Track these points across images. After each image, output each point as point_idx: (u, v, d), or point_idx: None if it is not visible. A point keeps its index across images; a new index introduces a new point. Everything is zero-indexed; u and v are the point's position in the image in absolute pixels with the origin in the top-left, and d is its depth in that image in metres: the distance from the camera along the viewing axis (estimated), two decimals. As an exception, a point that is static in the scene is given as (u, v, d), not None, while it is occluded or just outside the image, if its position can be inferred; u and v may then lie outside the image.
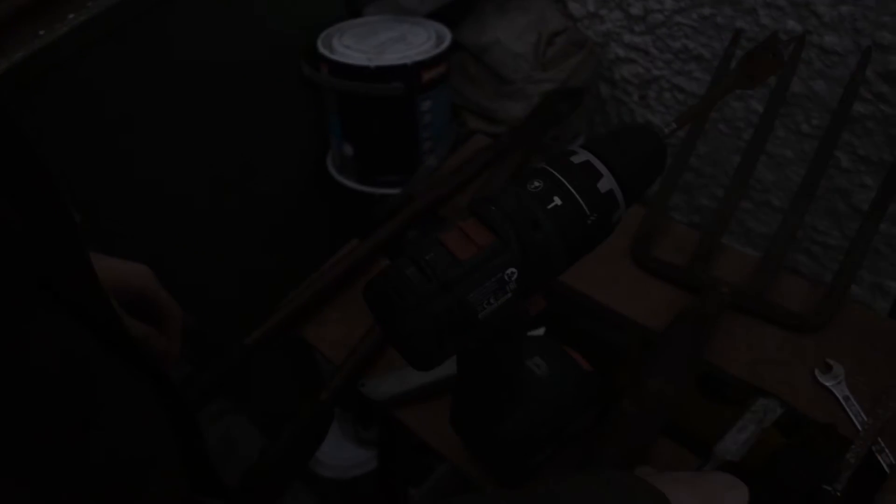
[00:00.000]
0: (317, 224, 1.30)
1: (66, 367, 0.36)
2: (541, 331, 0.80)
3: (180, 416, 0.52)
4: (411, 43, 1.06)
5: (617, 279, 0.86)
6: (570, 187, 0.48)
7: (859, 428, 0.70)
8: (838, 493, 0.64)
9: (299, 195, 1.25)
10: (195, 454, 0.54)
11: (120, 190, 0.99)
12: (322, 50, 1.05)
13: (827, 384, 0.74)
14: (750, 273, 0.84)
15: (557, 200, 0.48)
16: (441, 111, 1.12)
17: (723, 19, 1.05)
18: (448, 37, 1.09)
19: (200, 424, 0.57)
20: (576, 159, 0.49)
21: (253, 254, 1.21)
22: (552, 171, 0.49)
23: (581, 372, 0.70)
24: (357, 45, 1.05)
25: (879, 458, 0.68)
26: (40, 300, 0.36)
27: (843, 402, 0.72)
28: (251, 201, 1.17)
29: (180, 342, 0.70)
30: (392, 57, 1.02)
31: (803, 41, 0.86)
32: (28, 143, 0.39)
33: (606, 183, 0.49)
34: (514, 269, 0.47)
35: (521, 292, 0.48)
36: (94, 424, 0.37)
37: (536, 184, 0.48)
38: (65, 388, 0.36)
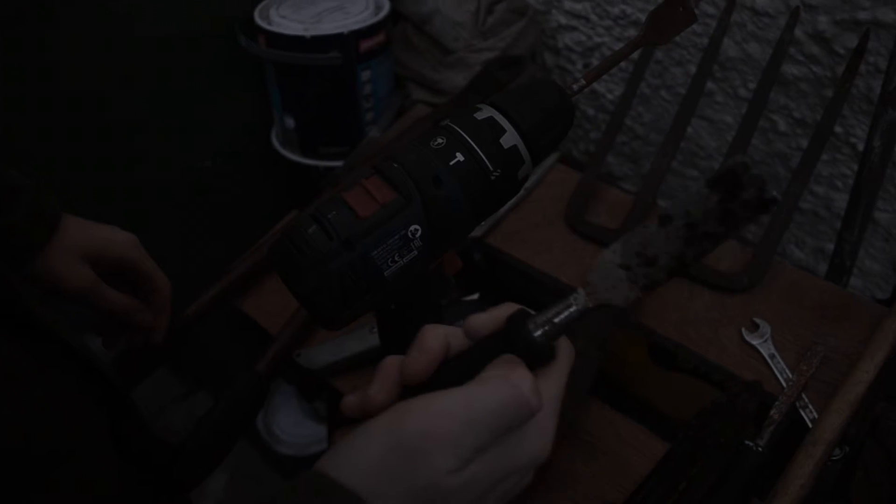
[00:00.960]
0: (262, 196, 1.29)
1: None
2: (475, 296, 0.80)
3: (109, 398, 0.51)
4: (349, 12, 1.05)
5: (551, 244, 0.86)
6: (472, 143, 0.48)
7: (783, 384, 0.71)
8: (761, 449, 0.65)
9: (244, 169, 1.23)
10: (131, 434, 0.54)
11: (62, 163, 0.97)
12: (259, 21, 1.03)
13: (753, 342, 0.75)
14: (683, 235, 0.85)
15: (460, 157, 0.48)
16: (382, 81, 1.11)
17: (659, -16, 1.05)
18: (387, 6, 1.08)
19: (133, 401, 0.56)
20: (479, 115, 0.49)
21: (197, 228, 1.20)
22: (455, 127, 0.49)
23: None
24: (294, 16, 1.04)
25: (803, 413, 0.69)
26: None
27: (769, 360, 0.73)
28: (195, 175, 1.16)
29: (168, 315, 0.68)
30: (329, 26, 1.01)
31: (734, 2, 0.86)
32: None
33: (510, 138, 0.49)
34: (417, 227, 0.47)
35: (427, 250, 0.48)
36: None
37: (439, 140, 0.48)
38: None
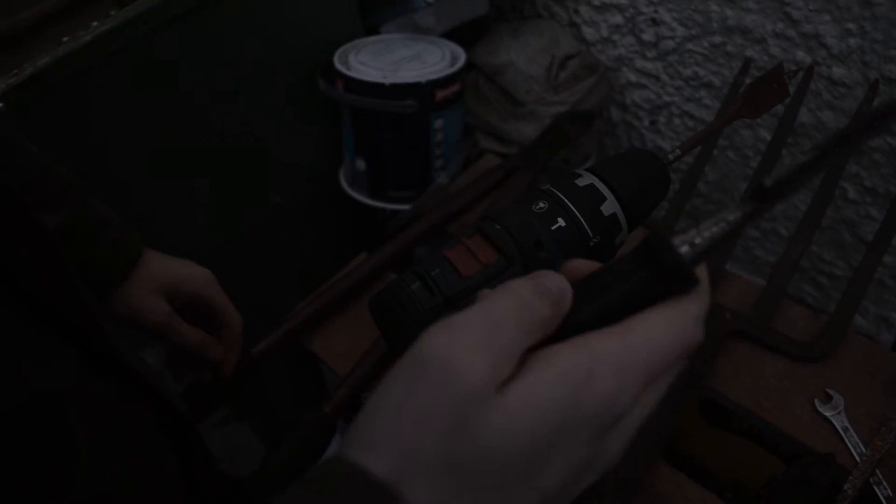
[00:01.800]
0: (327, 236, 1.31)
1: (39, 408, 0.36)
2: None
3: (180, 433, 0.52)
4: (426, 62, 1.08)
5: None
6: (573, 209, 0.49)
7: (857, 459, 0.70)
8: (834, 523, 0.64)
9: (312, 208, 1.26)
10: (199, 469, 0.54)
11: (139, 196, 1.00)
12: (338, 66, 1.06)
13: (826, 414, 0.74)
14: (753, 300, 0.85)
15: (561, 222, 0.49)
16: (453, 129, 1.13)
17: (733, 48, 1.06)
18: (462, 57, 1.11)
19: (202, 436, 0.57)
20: (580, 182, 0.50)
21: (265, 264, 1.22)
22: (557, 192, 0.50)
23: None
24: (373, 62, 1.07)
25: (877, 489, 0.68)
26: (9, 338, 0.36)
27: (843, 433, 0.73)
28: (265, 212, 1.19)
29: (239, 351, 0.70)
30: (407, 75, 1.04)
31: (812, 72, 0.87)
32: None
33: (610, 206, 0.50)
34: (516, 288, 0.48)
35: (523, 311, 0.49)
36: (76, 471, 0.37)
37: (541, 205, 0.50)
38: (36, 438, 0.35)
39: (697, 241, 0.31)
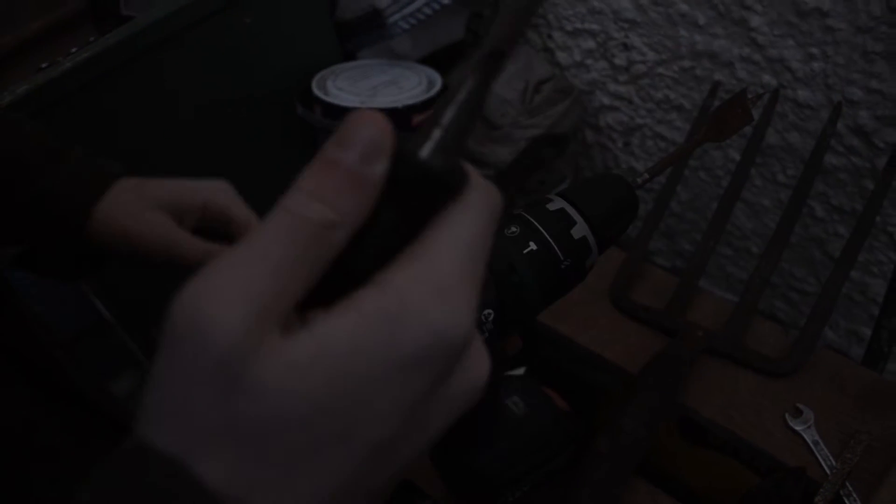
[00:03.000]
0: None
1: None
2: (521, 370, 0.82)
3: None
4: (403, 87, 1.10)
5: (596, 321, 0.88)
6: (545, 233, 0.51)
7: (828, 472, 0.72)
8: (805, 535, 0.66)
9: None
10: None
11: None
12: (316, 92, 1.08)
13: (797, 428, 0.76)
14: (725, 318, 0.86)
15: (533, 245, 0.50)
16: (430, 153, 1.15)
17: (702, 71, 1.09)
18: (439, 82, 1.13)
19: None
20: (551, 206, 0.52)
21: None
22: (528, 217, 0.51)
23: (558, 412, 0.72)
24: (350, 88, 1.09)
25: (847, 501, 0.70)
26: None
27: (813, 447, 0.74)
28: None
29: None
30: (384, 100, 1.06)
31: (777, 95, 0.89)
32: None
33: (580, 230, 0.51)
34: (490, 311, 0.49)
35: (497, 333, 0.51)
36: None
37: (513, 229, 0.51)
38: None
39: (437, 133, 0.24)
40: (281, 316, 0.21)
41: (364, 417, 0.22)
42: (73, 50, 0.98)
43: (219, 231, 0.57)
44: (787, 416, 0.77)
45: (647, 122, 1.22)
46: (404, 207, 0.24)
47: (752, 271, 0.87)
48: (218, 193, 0.56)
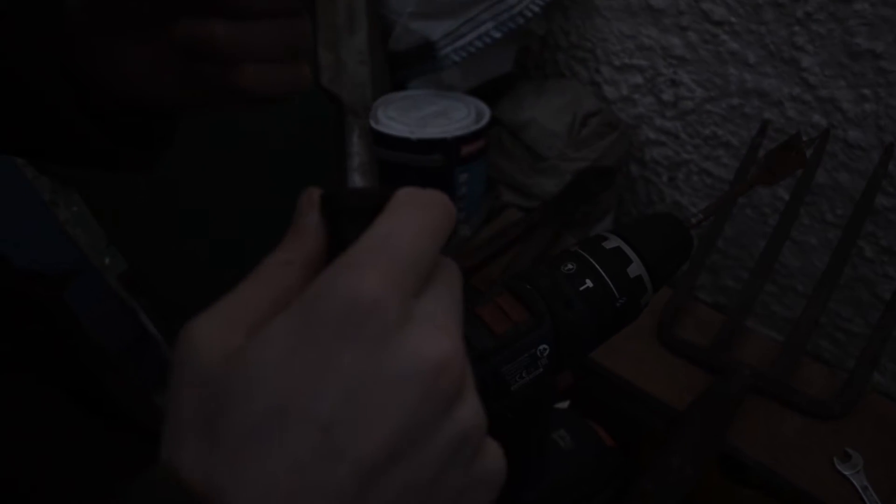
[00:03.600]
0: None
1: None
2: (566, 403, 0.82)
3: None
4: (452, 118, 1.12)
5: (642, 357, 0.88)
6: (601, 271, 0.51)
7: (877, 518, 0.71)
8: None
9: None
10: None
11: (165, 251, 1.04)
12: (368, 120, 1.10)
13: (846, 473, 0.75)
14: (772, 357, 0.86)
15: (589, 283, 0.51)
16: (477, 183, 1.16)
17: (751, 109, 1.09)
18: (487, 113, 1.14)
19: None
20: (607, 245, 0.53)
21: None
22: (585, 254, 0.52)
23: (604, 447, 0.72)
24: (400, 118, 1.11)
25: (896, 549, 0.69)
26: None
27: (862, 492, 0.73)
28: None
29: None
30: (433, 131, 1.07)
31: (828, 136, 0.89)
32: None
33: (636, 268, 0.52)
34: (546, 346, 0.50)
35: (552, 368, 0.51)
36: None
37: (570, 266, 0.52)
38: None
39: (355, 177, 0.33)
40: (245, 324, 0.26)
41: (302, 391, 0.24)
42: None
43: None
44: (835, 459, 0.76)
45: (693, 157, 1.22)
46: (340, 232, 0.29)
47: (798, 311, 0.87)
48: None
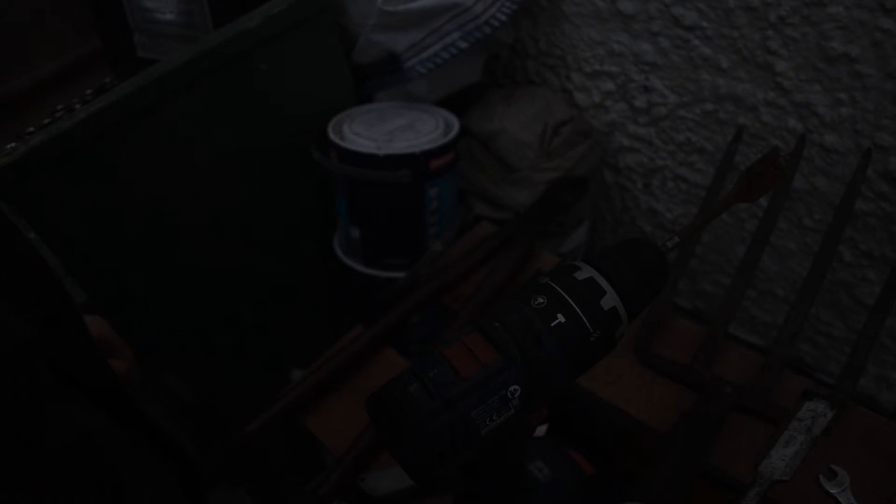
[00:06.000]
0: (322, 305, 1.30)
1: (83, 445, 0.38)
2: (543, 428, 0.79)
3: (193, 489, 0.53)
4: (420, 131, 1.08)
5: (620, 375, 0.85)
6: (573, 304, 0.48)
7: (866, 539, 0.69)
8: None
9: (306, 275, 1.25)
10: None
11: (133, 262, 1.00)
12: (332, 137, 1.07)
13: (832, 491, 0.73)
14: (754, 369, 0.84)
15: (561, 318, 0.48)
16: (448, 197, 1.13)
17: (725, 115, 1.07)
18: (456, 125, 1.11)
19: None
20: (579, 275, 0.50)
21: (259, 334, 1.21)
22: (556, 287, 0.49)
23: (583, 476, 0.69)
24: (366, 132, 1.07)
25: (887, 571, 0.67)
26: (52, 389, 0.39)
27: (850, 511, 0.71)
28: (258, 281, 1.18)
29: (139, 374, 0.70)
30: (401, 145, 1.04)
31: (804, 141, 0.87)
32: (32, 248, 0.43)
33: (610, 300, 0.49)
34: (517, 387, 0.47)
35: (524, 408, 0.48)
36: (119, 500, 0.39)
37: (540, 300, 0.49)
38: (85, 465, 0.38)
39: None
40: None
41: None
42: (89, 92, 0.98)
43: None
44: (820, 477, 0.74)
45: (667, 163, 1.20)
46: None
47: (778, 315, 0.85)
48: (104, 326, 0.64)
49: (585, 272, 0.50)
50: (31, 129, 1.11)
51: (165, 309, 1.07)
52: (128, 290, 1.02)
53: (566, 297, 0.49)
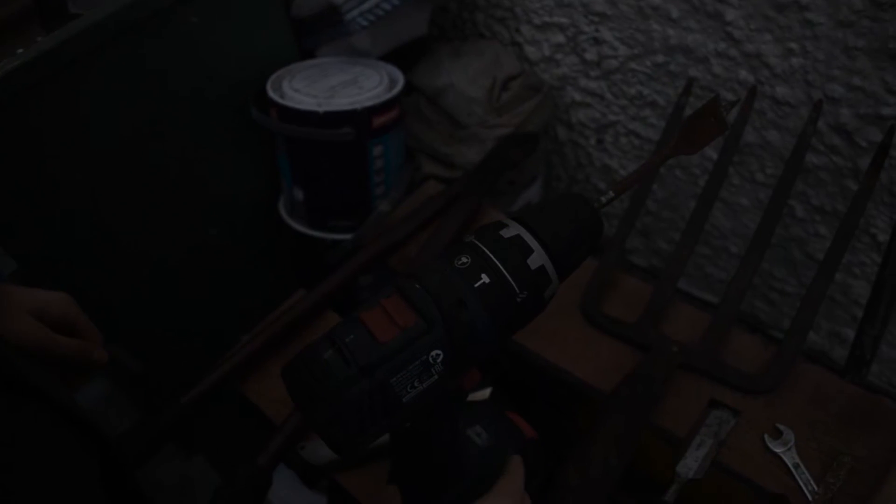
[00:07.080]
0: (267, 269, 1.26)
1: None
2: (486, 392, 0.77)
3: (109, 468, 0.52)
4: (363, 86, 1.04)
5: (566, 335, 0.83)
6: (498, 264, 0.46)
7: (809, 497, 0.68)
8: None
9: (251, 239, 1.21)
10: (117, 482, 0.54)
11: (65, 230, 0.95)
12: (271, 94, 1.02)
13: (777, 451, 0.72)
14: (702, 328, 0.82)
15: (485, 278, 0.45)
16: (394, 155, 1.09)
17: (676, 67, 1.04)
18: (401, 80, 1.07)
19: (134, 475, 0.57)
20: (506, 233, 0.47)
21: (203, 300, 1.17)
22: (480, 245, 0.46)
23: (524, 441, 0.67)
24: (307, 89, 1.03)
25: (830, 528, 0.66)
26: None
27: (793, 470, 0.70)
28: (202, 245, 1.14)
29: (107, 356, 0.69)
30: (342, 102, 1.00)
31: (755, 93, 0.85)
32: None
33: (538, 258, 0.47)
34: (439, 351, 0.45)
35: (448, 374, 0.46)
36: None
37: (464, 260, 0.46)
38: None
39: None
40: None
41: None
42: (20, 50, 0.92)
43: (65, 333, 0.63)
44: (766, 437, 0.73)
45: (620, 118, 1.17)
46: None
47: (733, 271, 0.83)
48: (70, 305, 0.63)
49: (512, 229, 0.47)
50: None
51: (103, 279, 1.02)
52: (60, 261, 0.97)
53: (490, 255, 0.46)
